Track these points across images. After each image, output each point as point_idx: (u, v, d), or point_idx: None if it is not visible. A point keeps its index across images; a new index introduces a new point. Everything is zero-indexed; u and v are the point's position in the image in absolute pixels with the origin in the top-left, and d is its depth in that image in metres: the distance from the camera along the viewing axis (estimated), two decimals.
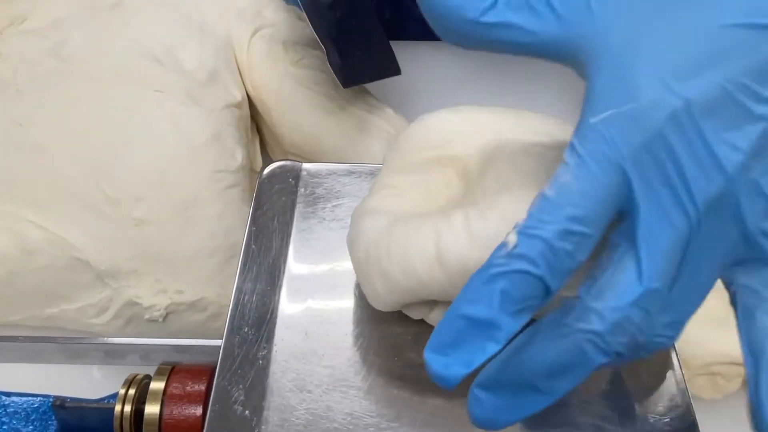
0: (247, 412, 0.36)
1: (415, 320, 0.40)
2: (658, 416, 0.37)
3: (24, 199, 0.53)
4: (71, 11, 0.61)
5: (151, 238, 0.53)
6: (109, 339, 0.44)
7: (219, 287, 0.54)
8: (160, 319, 0.53)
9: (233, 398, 0.37)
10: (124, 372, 0.44)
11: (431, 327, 0.38)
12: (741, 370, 0.56)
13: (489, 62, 0.83)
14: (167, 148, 0.56)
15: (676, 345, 0.56)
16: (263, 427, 0.36)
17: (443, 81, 0.80)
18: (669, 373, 0.39)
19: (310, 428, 0.36)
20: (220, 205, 0.55)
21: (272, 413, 0.36)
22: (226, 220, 0.55)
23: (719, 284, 0.58)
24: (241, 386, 0.37)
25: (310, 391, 0.37)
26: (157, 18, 0.61)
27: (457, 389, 0.37)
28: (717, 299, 0.58)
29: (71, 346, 0.44)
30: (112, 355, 0.44)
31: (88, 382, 0.54)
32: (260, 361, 0.38)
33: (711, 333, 0.56)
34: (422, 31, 0.42)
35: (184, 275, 0.53)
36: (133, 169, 0.54)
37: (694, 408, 0.56)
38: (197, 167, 0.55)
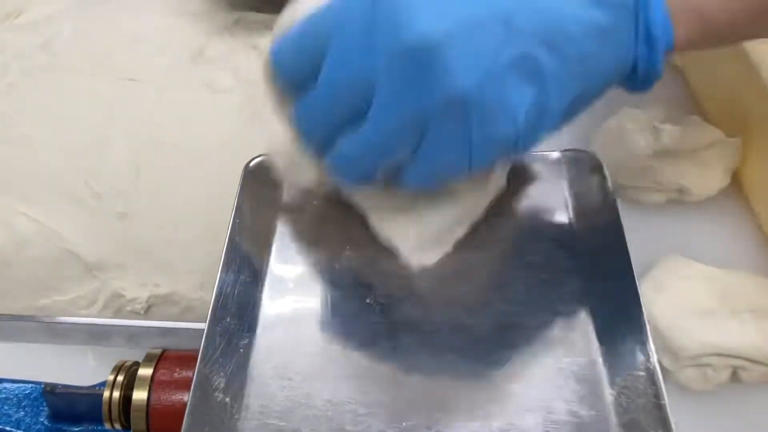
0: (227, 399, 0.37)
1: (395, 310, 0.40)
2: (630, 399, 0.37)
3: (15, 191, 0.55)
4: (64, 5, 0.62)
5: (132, 231, 0.54)
6: (92, 320, 0.45)
7: (187, 281, 0.54)
8: (142, 312, 0.53)
9: (214, 385, 0.37)
10: (116, 359, 0.45)
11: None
12: (730, 362, 0.56)
13: None
14: (147, 143, 0.57)
15: (664, 334, 0.56)
16: (243, 413, 0.37)
17: None
18: (642, 359, 0.39)
19: (290, 415, 0.37)
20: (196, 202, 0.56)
21: (253, 400, 0.37)
22: (200, 217, 0.55)
23: (712, 278, 0.59)
24: (222, 374, 0.38)
25: (290, 379, 0.38)
26: (146, 11, 0.62)
27: (437, 377, 0.38)
28: (706, 292, 0.58)
29: (55, 326, 0.44)
30: (96, 336, 0.45)
31: (80, 370, 0.54)
32: (242, 350, 0.39)
33: (700, 325, 0.56)
34: None
35: (159, 268, 0.54)
36: (114, 163, 0.56)
37: (684, 400, 0.56)
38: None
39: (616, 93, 0.77)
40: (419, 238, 0.42)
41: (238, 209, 0.46)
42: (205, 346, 0.39)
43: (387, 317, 0.41)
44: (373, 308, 0.41)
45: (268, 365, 0.39)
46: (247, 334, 0.40)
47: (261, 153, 0.49)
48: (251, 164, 0.48)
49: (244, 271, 0.43)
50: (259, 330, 0.40)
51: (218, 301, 0.41)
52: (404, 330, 0.40)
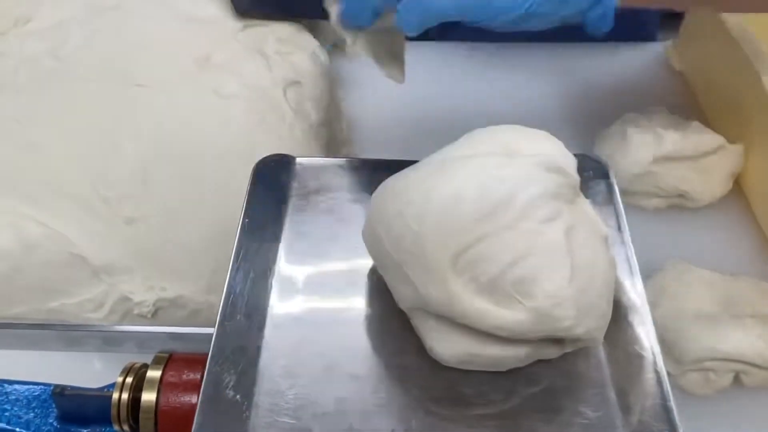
0: (238, 396, 0.37)
1: (401, 308, 0.41)
2: (637, 401, 0.37)
3: (24, 195, 0.55)
4: (74, 12, 0.63)
5: (140, 235, 0.54)
6: (105, 327, 0.45)
7: (194, 285, 0.55)
8: (149, 315, 0.54)
9: (225, 383, 0.38)
10: (125, 362, 0.45)
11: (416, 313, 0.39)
12: (733, 367, 0.56)
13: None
14: (155, 148, 0.57)
15: (666, 339, 0.56)
16: (253, 411, 0.37)
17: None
18: (649, 361, 0.39)
19: (300, 412, 0.37)
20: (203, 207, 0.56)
21: (263, 398, 0.37)
22: (207, 222, 0.56)
23: (714, 283, 0.59)
24: (233, 372, 0.38)
25: (300, 377, 0.38)
26: (154, 17, 0.63)
27: (444, 377, 0.38)
28: (708, 297, 0.59)
29: (69, 334, 0.44)
30: (109, 342, 0.45)
31: (89, 372, 0.54)
32: (252, 348, 0.39)
33: (703, 330, 0.57)
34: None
35: (167, 272, 0.54)
36: (121, 167, 0.56)
37: (686, 404, 0.56)
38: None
39: (618, 99, 0.78)
40: None
41: (247, 210, 0.46)
42: (216, 345, 0.39)
43: (395, 314, 0.41)
44: (383, 308, 0.41)
45: (278, 363, 0.39)
46: (256, 332, 0.40)
47: (268, 154, 0.50)
48: (260, 165, 0.49)
49: (254, 269, 0.43)
50: (269, 328, 0.40)
51: (228, 300, 0.41)
52: (411, 327, 0.40)
